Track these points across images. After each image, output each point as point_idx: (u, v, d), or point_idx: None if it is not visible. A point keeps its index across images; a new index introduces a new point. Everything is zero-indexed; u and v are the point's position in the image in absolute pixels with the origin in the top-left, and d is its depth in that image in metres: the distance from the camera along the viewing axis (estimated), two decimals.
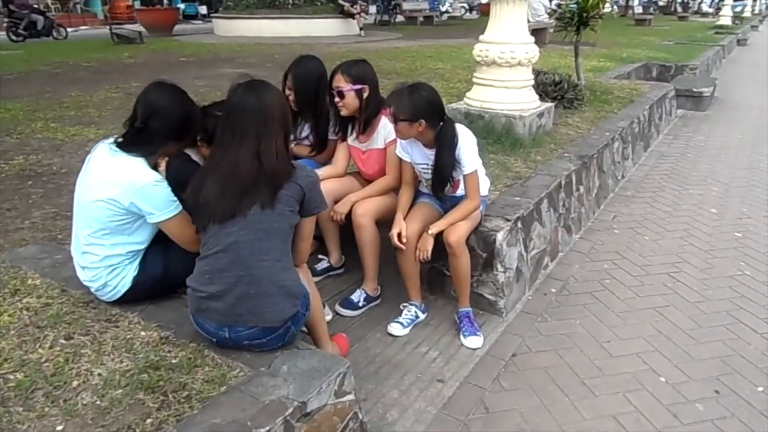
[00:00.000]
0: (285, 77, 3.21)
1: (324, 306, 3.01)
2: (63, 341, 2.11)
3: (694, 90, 8.88)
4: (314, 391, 1.88)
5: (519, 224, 3.37)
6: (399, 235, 2.87)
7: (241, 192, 2.02)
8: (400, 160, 3.02)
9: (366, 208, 3.04)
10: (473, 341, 2.91)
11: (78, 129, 5.45)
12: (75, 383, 1.90)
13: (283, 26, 14.70)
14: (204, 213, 2.06)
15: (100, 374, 1.94)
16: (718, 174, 5.93)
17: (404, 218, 2.94)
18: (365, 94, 3.03)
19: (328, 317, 3.00)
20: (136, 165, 2.21)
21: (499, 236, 3.14)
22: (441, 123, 2.81)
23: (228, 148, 2.08)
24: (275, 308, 2.00)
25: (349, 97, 3.01)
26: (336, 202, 3.13)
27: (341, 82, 3.00)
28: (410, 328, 3.03)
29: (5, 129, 5.40)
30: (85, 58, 11.10)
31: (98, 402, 1.82)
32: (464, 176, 2.87)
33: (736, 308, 3.36)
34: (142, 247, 2.33)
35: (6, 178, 4.05)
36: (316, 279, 3.28)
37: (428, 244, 2.85)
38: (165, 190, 2.24)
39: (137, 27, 15.77)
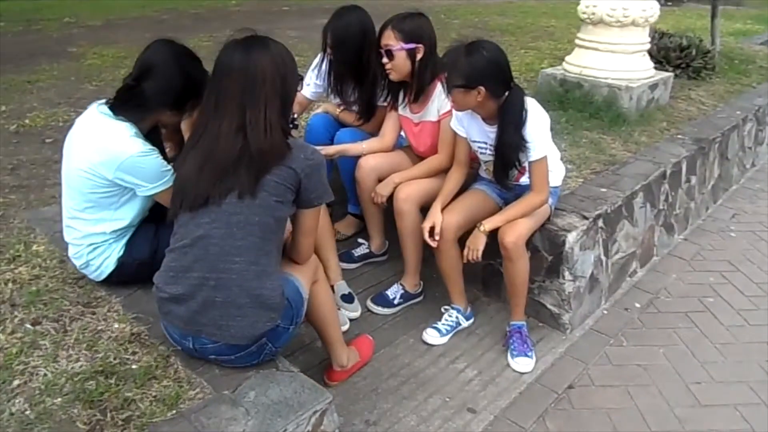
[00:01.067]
0: (324, 33, 2.77)
1: (353, 300, 2.64)
2: (29, 326, 1.88)
3: None
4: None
5: (600, 223, 2.76)
6: (432, 229, 2.40)
7: (219, 174, 1.64)
8: (456, 134, 2.51)
9: (409, 192, 2.58)
10: (522, 364, 2.41)
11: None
12: (16, 383, 1.65)
13: None
14: (177, 197, 1.71)
15: (45, 375, 1.67)
16: None
17: (444, 208, 2.45)
18: (419, 56, 2.53)
19: (356, 313, 2.62)
20: (121, 133, 1.90)
21: (570, 238, 2.56)
22: (507, 92, 2.25)
23: (211, 119, 1.70)
24: (244, 322, 1.63)
25: (398, 57, 2.52)
26: (380, 180, 2.69)
27: (390, 40, 2.52)
28: (449, 336, 2.57)
29: (89, 75, 5.39)
30: (195, 5, 11.20)
31: (27, 412, 1.55)
32: (530, 163, 2.32)
33: None
34: (130, 226, 2.05)
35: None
36: (353, 266, 2.90)
37: (479, 243, 2.35)
38: (154, 160, 1.92)
39: None
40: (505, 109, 2.25)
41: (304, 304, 1.85)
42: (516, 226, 2.34)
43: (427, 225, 2.40)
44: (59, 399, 1.60)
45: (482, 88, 2.18)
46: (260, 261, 1.65)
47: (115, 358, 1.75)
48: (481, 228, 2.33)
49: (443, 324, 2.58)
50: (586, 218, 2.66)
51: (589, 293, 2.74)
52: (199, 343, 1.67)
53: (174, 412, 1.56)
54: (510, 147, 2.28)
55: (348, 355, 2.27)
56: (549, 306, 2.67)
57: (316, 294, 2.07)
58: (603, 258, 2.83)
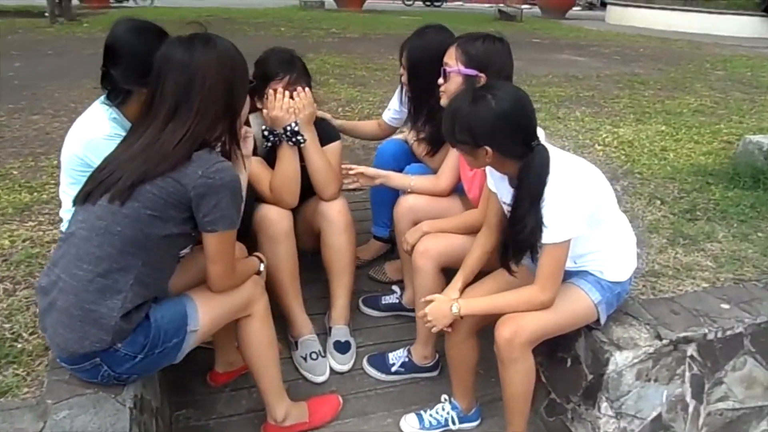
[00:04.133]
0: (401, 51, 2.45)
1: (348, 350, 2.31)
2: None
3: None
4: None
5: (691, 350, 1.95)
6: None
7: (110, 171, 1.53)
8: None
9: (429, 246, 2.14)
10: None
11: (354, 90, 5.50)
12: None
13: (680, 19, 12.58)
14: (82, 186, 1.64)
15: None
16: None
17: (466, 285, 1.96)
18: (478, 86, 2.08)
19: (343, 367, 2.27)
20: (98, 115, 1.92)
21: (619, 358, 1.85)
22: (527, 153, 1.70)
23: (143, 118, 1.59)
24: (71, 335, 1.46)
25: (453, 82, 2.11)
26: (415, 224, 2.30)
27: (451, 59, 2.12)
28: None
29: (318, 79, 5.78)
30: (460, 30, 11.48)
31: None
32: (541, 245, 1.71)
33: None
34: None
35: None
36: (377, 314, 2.55)
37: (443, 319, 1.86)
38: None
39: (529, 7, 15.79)
40: (522, 177, 1.69)
41: (186, 337, 1.61)
42: (518, 319, 1.75)
43: (425, 308, 1.90)
44: None
45: (488, 149, 1.67)
46: (111, 275, 1.47)
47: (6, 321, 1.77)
48: (454, 308, 1.81)
49: (430, 415, 2.08)
50: (660, 338, 1.90)
51: None
52: (49, 342, 1.57)
53: None
54: (525, 226, 1.69)
55: (288, 411, 1.96)
56: None
57: (245, 330, 1.84)
58: (689, 401, 1.99)
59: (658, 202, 2.96)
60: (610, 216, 1.87)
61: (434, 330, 1.89)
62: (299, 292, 2.28)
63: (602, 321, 1.88)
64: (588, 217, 1.73)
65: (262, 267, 1.93)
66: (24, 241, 2.29)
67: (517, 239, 1.74)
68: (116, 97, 1.93)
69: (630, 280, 1.93)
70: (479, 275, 2.01)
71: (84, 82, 5.04)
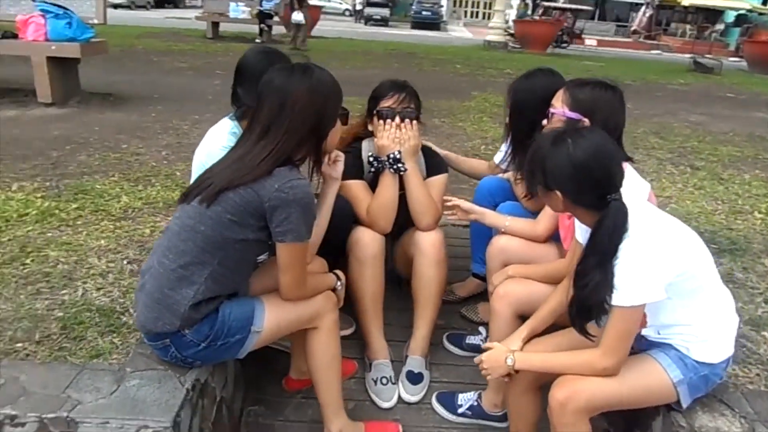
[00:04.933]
0: (508, 92, 2.42)
1: (420, 381, 2.31)
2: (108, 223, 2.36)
3: None
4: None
5: None
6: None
7: (207, 177, 1.74)
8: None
9: (509, 291, 2.08)
10: None
11: (472, 124, 5.53)
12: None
13: None
14: None
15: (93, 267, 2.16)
16: None
17: (534, 336, 1.88)
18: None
19: (412, 397, 2.27)
20: (221, 128, 2.19)
21: None
22: (603, 207, 1.59)
23: (247, 131, 1.80)
24: (149, 315, 1.67)
25: (555, 124, 2.06)
26: (505, 266, 2.26)
27: (558, 101, 2.06)
28: None
29: (473, 116, 6.00)
30: (646, 79, 10.91)
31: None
32: (610, 307, 1.58)
33: None
34: None
35: None
36: (459, 352, 2.51)
37: (498, 369, 1.79)
38: None
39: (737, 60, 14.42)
40: (594, 231, 1.60)
41: (250, 336, 1.75)
42: (576, 382, 1.63)
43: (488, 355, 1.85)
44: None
45: (558, 194, 1.61)
46: (190, 267, 1.66)
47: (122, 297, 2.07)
48: (509, 359, 1.73)
49: None
50: None
51: None
52: (135, 318, 1.81)
53: (81, 361, 1.75)
54: (587, 283, 1.57)
55: (343, 427, 2.01)
56: None
57: (310, 342, 1.95)
58: None
59: None
60: (706, 288, 1.68)
61: (489, 378, 1.84)
62: (380, 317, 2.34)
63: (684, 403, 1.69)
64: (673, 285, 1.58)
65: (338, 285, 2.03)
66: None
67: (578, 296, 1.63)
68: (241, 112, 2.18)
69: (726, 364, 1.71)
70: (555, 329, 1.91)
71: None
